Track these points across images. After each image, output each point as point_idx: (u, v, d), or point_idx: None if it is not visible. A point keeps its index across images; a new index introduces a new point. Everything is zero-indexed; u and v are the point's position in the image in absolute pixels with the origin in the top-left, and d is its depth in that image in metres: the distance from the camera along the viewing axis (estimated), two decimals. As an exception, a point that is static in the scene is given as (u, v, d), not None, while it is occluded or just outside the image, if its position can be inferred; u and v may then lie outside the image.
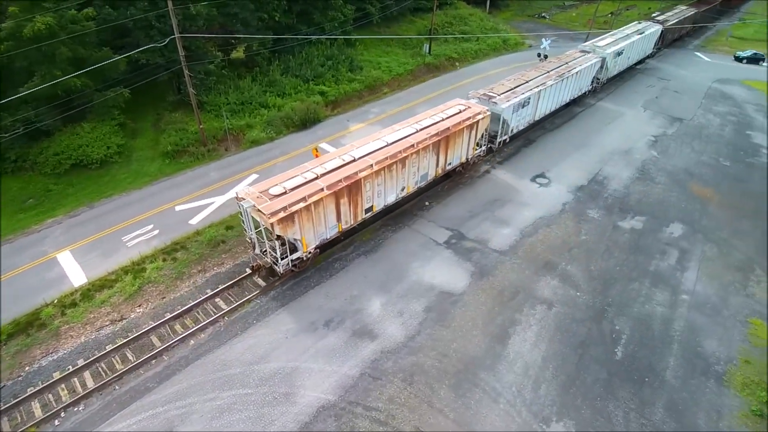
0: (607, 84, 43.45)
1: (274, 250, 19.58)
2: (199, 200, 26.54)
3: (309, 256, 21.19)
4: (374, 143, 23.17)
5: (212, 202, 26.36)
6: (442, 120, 25.76)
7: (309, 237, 20.31)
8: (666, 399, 16.77)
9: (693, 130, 36.49)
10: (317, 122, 35.21)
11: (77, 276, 21.42)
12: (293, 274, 21.46)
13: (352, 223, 22.32)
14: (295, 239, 19.74)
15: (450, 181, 28.44)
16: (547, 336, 18.91)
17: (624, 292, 21.14)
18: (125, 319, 19.57)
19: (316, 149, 27.13)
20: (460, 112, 26.81)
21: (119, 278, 21.24)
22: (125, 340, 18.31)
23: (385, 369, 17.36)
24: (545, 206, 26.64)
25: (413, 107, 37.83)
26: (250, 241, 21.22)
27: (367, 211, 22.74)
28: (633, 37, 44.26)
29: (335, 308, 19.83)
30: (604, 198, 27.57)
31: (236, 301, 20.03)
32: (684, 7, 60.73)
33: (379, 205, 23.25)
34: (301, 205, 19.03)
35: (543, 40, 47.22)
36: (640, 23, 50.36)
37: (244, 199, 19.52)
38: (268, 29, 37.87)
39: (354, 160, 21.67)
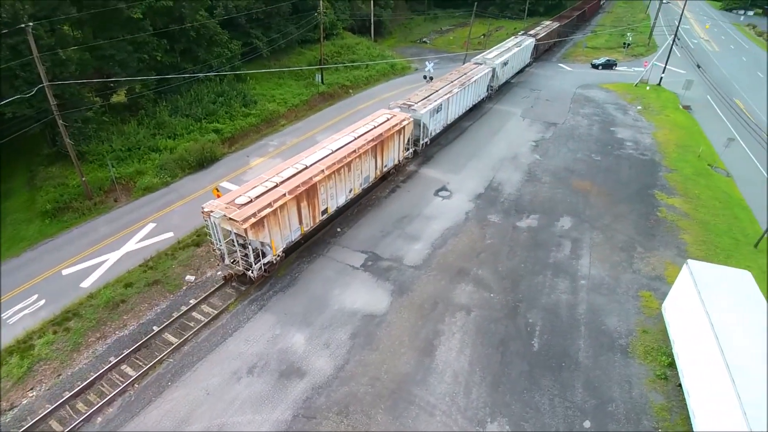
0: (492, 97, 47.41)
1: (246, 256, 20.80)
2: (89, 260, 24.20)
3: (278, 259, 22.58)
4: (321, 152, 25.22)
5: (106, 260, 24.16)
6: (375, 128, 28.64)
7: (277, 240, 21.78)
8: (583, 379, 18.17)
9: (566, 132, 40.72)
10: (215, 161, 33.98)
11: (-55, 369, 18.36)
12: (206, 325, 20.28)
13: (312, 225, 24.11)
14: (263, 243, 20.93)
15: (358, 204, 28.86)
16: (470, 341, 19.68)
17: (531, 286, 22.73)
18: (16, 406, 17.07)
19: (216, 189, 26.11)
20: (388, 120, 30.01)
21: (3, 361, 18.57)
22: (19, 431, 15.97)
23: (318, 406, 16.88)
24: (450, 217, 27.97)
25: (313, 135, 38.05)
26: (219, 252, 21.81)
27: (323, 213, 24.73)
28: (514, 50, 50.42)
29: (258, 352, 18.98)
30: (501, 202, 29.63)
31: (146, 365, 18.38)
32: (549, 22, 68.92)
33: (332, 207, 25.36)
34: (268, 210, 20.47)
35: (427, 62, 50.23)
36: (516, 37, 56.53)
37: (212, 212, 20.26)
38: (150, 69, 36.09)
39: (306, 168, 23.59)
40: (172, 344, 19.28)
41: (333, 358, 18.71)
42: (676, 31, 55.46)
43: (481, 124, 42.11)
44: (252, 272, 21.16)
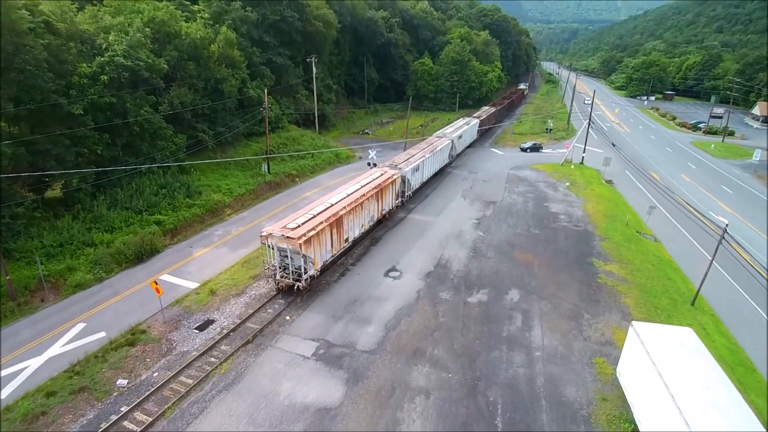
0: (451, 164, 52.97)
1: (298, 269, 26.41)
2: (7, 368, 21.56)
3: (317, 273, 27.89)
4: (339, 195, 32.13)
5: (26, 366, 21.63)
6: (374, 179, 36.38)
7: (318, 258, 27.30)
8: (549, 457, 17.49)
9: (504, 209, 42.95)
10: (155, 253, 32.55)
11: None
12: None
13: (339, 249, 30.53)
14: (308, 258, 26.17)
15: (308, 291, 28.14)
16: (431, 427, 18.67)
17: (488, 362, 22.38)
18: None
19: (155, 282, 24.68)
20: (382, 174, 37.79)
21: None
22: None
23: None
24: (402, 297, 27.76)
25: (260, 223, 37.67)
26: (273, 268, 27.06)
27: (346, 240, 31.02)
28: (464, 127, 61.38)
29: (199, 461, 17.02)
30: (450, 279, 29.93)
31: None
32: (487, 108, 79.39)
33: (351, 237, 31.85)
34: (313, 232, 26.35)
35: (369, 151, 52.83)
36: (465, 119, 66.17)
37: (271, 234, 26.04)
38: (90, 163, 35.22)
39: (332, 205, 30.13)
40: (99, 461, 16.97)
41: (285, 460, 17.05)
42: (590, 116, 62.13)
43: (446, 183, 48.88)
44: (301, 282, 26.42)
